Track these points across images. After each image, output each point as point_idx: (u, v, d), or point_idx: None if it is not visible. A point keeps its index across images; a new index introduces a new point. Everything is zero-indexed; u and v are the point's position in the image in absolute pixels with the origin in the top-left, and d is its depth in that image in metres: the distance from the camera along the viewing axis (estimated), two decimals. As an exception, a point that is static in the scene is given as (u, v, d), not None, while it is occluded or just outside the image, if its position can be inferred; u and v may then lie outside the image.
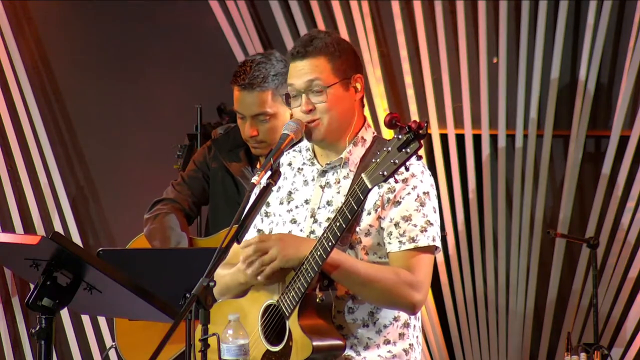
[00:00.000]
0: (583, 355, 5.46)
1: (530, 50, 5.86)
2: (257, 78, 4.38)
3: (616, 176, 5.79)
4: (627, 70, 5.75)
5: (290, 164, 3.63)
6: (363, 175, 3.21)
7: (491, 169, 5.92)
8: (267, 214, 3.61)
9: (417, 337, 3.55)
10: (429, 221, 3.43)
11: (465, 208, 5.94)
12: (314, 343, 3.31)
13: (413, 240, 3.41)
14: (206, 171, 4.72)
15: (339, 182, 3.51)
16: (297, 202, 3.55)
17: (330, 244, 3.28)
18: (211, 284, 3.10)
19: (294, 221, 3.53)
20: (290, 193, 3.58)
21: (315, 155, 3.58)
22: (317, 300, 3.34)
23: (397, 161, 3.13)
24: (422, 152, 6.02)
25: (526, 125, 5.88)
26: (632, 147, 5.77)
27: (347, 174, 3.51)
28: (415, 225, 3.42)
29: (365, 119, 3.59)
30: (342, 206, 3.29)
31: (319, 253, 3.31)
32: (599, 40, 5.77)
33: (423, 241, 3.42)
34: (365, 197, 3.24)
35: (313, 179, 3.56)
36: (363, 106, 3.59)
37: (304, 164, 3.59)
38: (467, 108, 5.94)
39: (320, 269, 3.31)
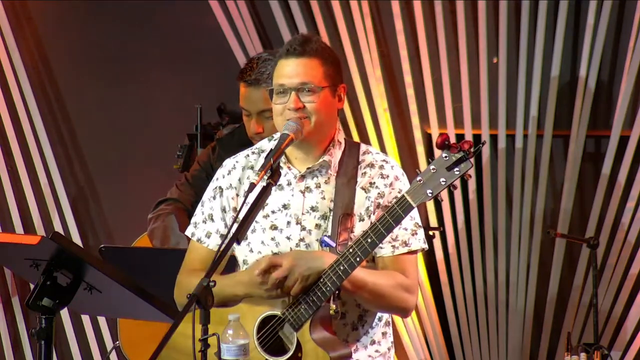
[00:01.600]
0: (583, 355, 5.46)
1: (530, 50, 5.85)
2: (264, 74, 4.39)
3: (616, 176, 5.79)
4: (627, 70, 5.75)
5: (252, 168, 3.61)
6: (405, 194, 3.22)
7: (491, 169, 5.92)
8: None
9: (392, 334, 3.61)
10: (417, 224, 3.48)
11: (465, 208, 5.94)
12: (331, 355, 3.32)
13: (406, 244, 3.44)
14: (210, 171, 4.72)
15: (319, 187, 3.50)
16: (273, 207, 3.53)
17: (358, 259, 3.29)
18: (211, 284, 3.11)
19: (274, 227, 3.51)
20: None
21: (288, 160, 3.57)
22: (331, 312, 3.35)
23: (446, 181, 3.15)
24: (421, 152, 6.04)
25: (526, 125, 5.88)
26: (632, 147, 5.77)
27: (328, 178, 3.50)
28: (406, 229, 3.45)
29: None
30: (376, 224, 3.28)
31: (342, 268, 3.30)
32: (599, 40, 5.77)
33: (415, 244, 3.45)
34: (406, 215, 3.25)
35: (289, 184, 3.54)
36: (338, 115, 3.59)
37: None
38: (467, 108, 5.93)
39: (341, 283, 3.31)
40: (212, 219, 3.62)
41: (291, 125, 3.45)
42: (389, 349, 3.56)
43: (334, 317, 3.38)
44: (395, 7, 5.95)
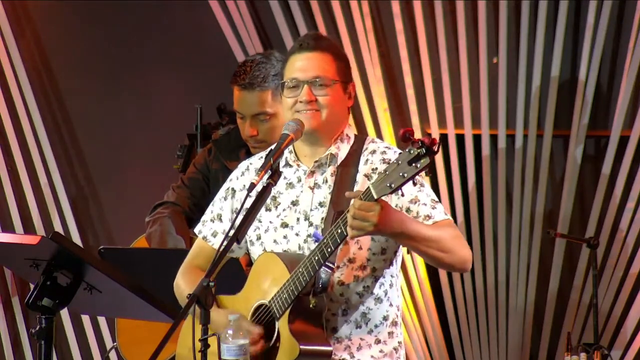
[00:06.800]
0: (583, 355, 5.46)
1: (530, 50, 5.86)
2: (257, 78, 4.40)
3: (616, 176, 5.79)
4: (627, 70, 5.75)
5: None
6: (370, 185, 3.19)
7: (491, 169, 5.92)
8: None
9: (401, 333, 3.58)
10: (434, 199, 3.46)
11: (465, 208, 5.94)
12: (302, 347, 3.33)
13: (429, 217, 3.41)
14: (206, 173, 4.72)
15: (327, 182, 3.51)
16: (284, 206, 3.54)
17: (329, 249, 3.29)
18: (211, 284, 3.11)
19: (284, 225, 3.52)
20: (274, 198, 3.56)
21: (298, 157, 3.57)
22: (311, 305, 3.36)
23: (406, 175, 3.13)
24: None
25: (526, 125, 5.88)
26: (632, 147, 5.77)
27: (334, 171, 3.51)
28: (425, 204, 3.43)
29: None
30: (345, 212, 3.27)
31: (316, 258, 3.31)
32: (599, 40, 5.77)
33: (438, 216, 3.42)
34: None
35: (299, 181, 3.54)
36: (349, 114, 3.60)
37: (284, 166, 3.55)
38: (467, 108, 5.93)
39: (315, 273, 3.32)
40: (220, 219, 3.63)
41: (290, 125, 3.46)
42: (395, 350, 3.53)
43: (315, 311, 3.38)
44: (395, 7, 5.95)
